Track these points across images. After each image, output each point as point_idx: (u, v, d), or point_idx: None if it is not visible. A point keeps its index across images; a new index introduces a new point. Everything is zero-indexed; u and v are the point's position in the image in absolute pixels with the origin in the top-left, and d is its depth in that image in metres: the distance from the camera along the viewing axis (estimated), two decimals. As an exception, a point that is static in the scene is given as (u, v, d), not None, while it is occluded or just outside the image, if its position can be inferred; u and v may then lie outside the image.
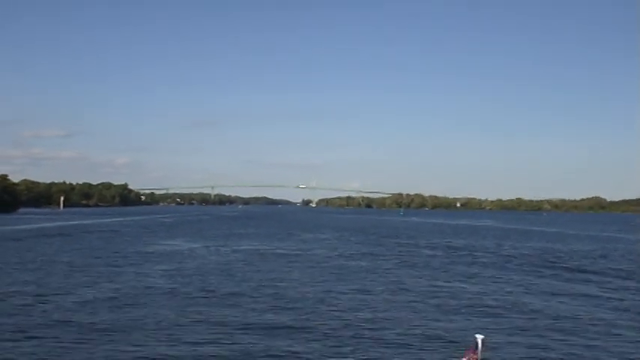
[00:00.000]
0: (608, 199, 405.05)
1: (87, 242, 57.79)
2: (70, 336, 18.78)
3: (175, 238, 65.58)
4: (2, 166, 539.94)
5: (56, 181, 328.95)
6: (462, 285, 31.60)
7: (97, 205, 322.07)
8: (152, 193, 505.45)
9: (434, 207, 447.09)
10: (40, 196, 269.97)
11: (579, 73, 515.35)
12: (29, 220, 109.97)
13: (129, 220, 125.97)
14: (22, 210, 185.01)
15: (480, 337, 11.23)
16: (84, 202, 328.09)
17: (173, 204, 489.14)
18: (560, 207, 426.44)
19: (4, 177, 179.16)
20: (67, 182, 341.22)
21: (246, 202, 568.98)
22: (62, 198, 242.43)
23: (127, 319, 21.30)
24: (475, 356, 11.10)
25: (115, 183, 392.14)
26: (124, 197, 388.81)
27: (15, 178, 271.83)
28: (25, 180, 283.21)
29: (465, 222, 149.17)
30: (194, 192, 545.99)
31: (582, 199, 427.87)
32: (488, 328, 20.10)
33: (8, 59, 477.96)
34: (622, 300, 27.85)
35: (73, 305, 23.87)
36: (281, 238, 69.72)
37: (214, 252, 48.81)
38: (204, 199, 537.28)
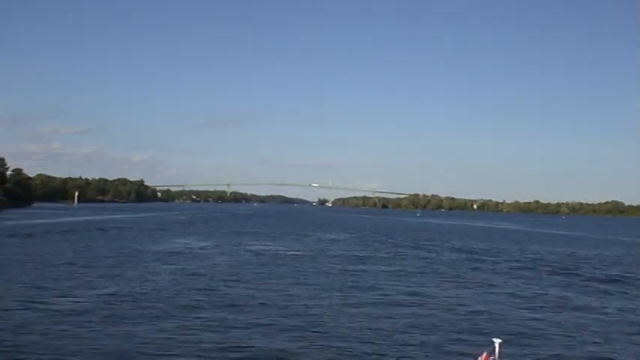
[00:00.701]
0: (627, 203, 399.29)
1: (95, 239, 56.01)
2: (52, 349, 16.71)
3: (187, 236, 63.64)
4: (21, 161, 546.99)
5: (72, 177, 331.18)
6: (491, 296, 29.03)
7: (112, 201, 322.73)
8: (168, 190, 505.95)
9: (450, 208, 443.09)
10: (56, 190, 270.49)
11: (594, 74, 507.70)
12: (42, 215, 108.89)
13: (142, 216, 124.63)
14: (36, 204, 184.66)
15: (497, 341, 10.89)
16: (99, 197, 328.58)
17: (189, 201, 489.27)
18: (578, 210, 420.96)
19: (19, 171, 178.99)
20: (83, 178, 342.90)
21: (262, 200, 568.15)
22: (77, 193, 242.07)
23: (114, 331, 19.08)
24: None
25: (132, 179, 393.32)
26: (140, 193, 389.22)
27: (33, 173, 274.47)
28: (40, 175, 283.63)
29: (484, 224, 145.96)
30: (210, 189, 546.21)
31: (600, 203, 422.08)
32: (518, 346, 17.81)
33: (30, 57, 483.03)
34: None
35: (65, 310, 21.79)
36: (295, 237, 67.59)
37: (225, 252, 46.73)
38: (220, 197, 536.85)
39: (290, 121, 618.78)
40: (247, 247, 51.37)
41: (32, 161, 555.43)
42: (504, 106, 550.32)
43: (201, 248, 49.27)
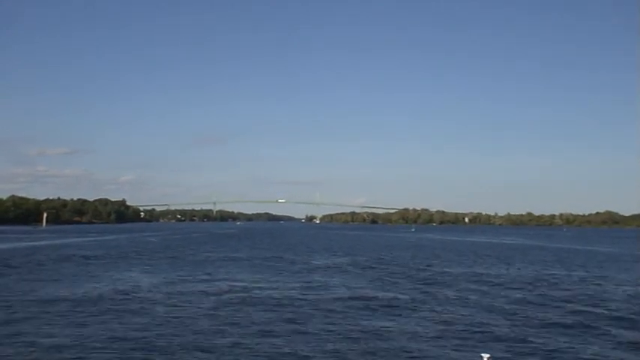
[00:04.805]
0: (620, 213, 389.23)
1: (17, 272, 41.25)
2: None
3: (138, 267, 48.78)
4: (6, 185, 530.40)
5: (51, 198, 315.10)
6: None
7: (90, 222, 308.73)
8: (153, 209, 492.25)
9: (441, 222, 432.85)
10: (29, 213, 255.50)
11: (588, 83, 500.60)
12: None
13: (108, 239, 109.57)
14: None
15: (486, 356, 10.76)
16: (76, 218, 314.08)
17: (173, 220, 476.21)
18: (572, 222, 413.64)
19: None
20: (61, 199, 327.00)
21: (249, 218, 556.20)
22: (45, 215, 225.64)
23: None
24: None
25: (115, 199, 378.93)
26: (121, 214, 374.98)
27: (20, 195, 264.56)
28: (13, 196, 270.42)
29: (487, 239, 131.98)
30: (196, 208, 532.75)
31: (593, 214, 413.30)
32: None
33: (14, 77, 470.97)
34: None
35: None
36: (277, 266, 51.90)
37: (177, 293, 31.98)
38: (206, 216, 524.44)
39: (276, 137, 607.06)
40: (210, 285, 36.55)
41: (18, 184, 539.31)
42: (492, 118, 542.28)
43: (143, 288, 34.46)
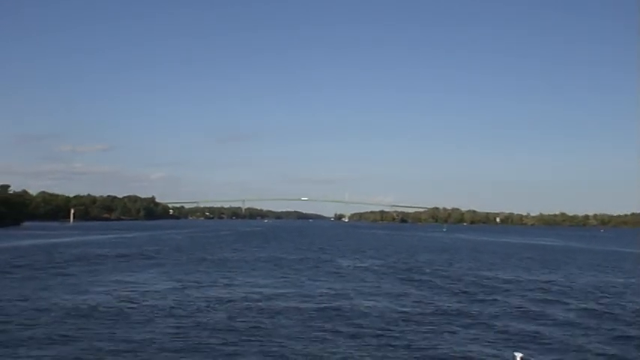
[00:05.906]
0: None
1: (22, 273, 38.13)
2: None
3: (154, 268, 45.36)
4: (39, 181, 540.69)
5: (81, 194, 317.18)
6: None
7: (119, 219, 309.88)
8: (182, 206, 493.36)
9: (472, 222, 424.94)
10: (59, 209, 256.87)
11: (620, 80, 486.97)
12: (14, 237, 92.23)
13: (132, 236, 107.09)
14: (27, 224, 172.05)
15: (519, 355, 10.59)
16: (105, 215, 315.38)
17: (202, 218, 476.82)
18: (608, 222, 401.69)
19: (5, 187, 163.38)
20: (91, 195, 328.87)
21: (278, 216, 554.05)
22: (72, 211, 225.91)
23: None
24: None
25: (144, 196, 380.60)
26: (150, 211, 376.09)
27: (54, 191, 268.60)
28: (42, 192, 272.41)
29: (523, 240, 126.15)
30: (225, 206, 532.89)
31: (629, 214, 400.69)
32: None
33: (48, 74, 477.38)
34: None
35: None
36: (305, 268, 47.88)
37: (186, 300, 28.22)
38: (234, 213, 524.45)
39: (305, 135, 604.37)
40: (228, 291, 32.68)
41: (51, 180, 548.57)
42: (523, 117, 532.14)
43: (153, 293, 30.75)
